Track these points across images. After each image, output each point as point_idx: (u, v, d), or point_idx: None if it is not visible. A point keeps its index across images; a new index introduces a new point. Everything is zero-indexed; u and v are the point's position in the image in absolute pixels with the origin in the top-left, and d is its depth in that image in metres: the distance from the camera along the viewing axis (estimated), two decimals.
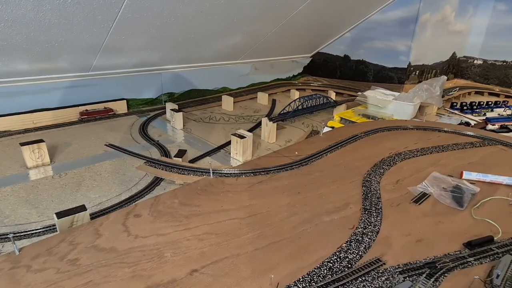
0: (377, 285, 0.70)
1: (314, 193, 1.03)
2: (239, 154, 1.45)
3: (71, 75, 1.76)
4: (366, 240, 0.83)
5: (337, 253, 0.78)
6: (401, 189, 1.08)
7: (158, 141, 1.56)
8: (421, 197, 1.03)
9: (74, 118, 1.79)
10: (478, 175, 1.14)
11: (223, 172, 1.13)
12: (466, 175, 1.15)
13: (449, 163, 1.27)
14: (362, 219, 0.92)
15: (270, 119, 1.65)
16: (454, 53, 2.84)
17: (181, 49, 1.98)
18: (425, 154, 1.33)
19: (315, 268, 0.74)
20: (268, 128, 1.66)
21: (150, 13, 1.53)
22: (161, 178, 1.20)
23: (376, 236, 0.85)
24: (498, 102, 2.38)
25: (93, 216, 0.94)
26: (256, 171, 1.14)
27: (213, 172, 1.11)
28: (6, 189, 1.14)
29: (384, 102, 1.96)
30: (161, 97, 2.12)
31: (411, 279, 0.72)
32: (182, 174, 1.15)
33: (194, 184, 1.06)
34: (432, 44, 2.51)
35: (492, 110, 2.29)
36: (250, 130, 1.71)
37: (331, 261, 0.76)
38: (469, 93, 2.74)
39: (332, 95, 2.45)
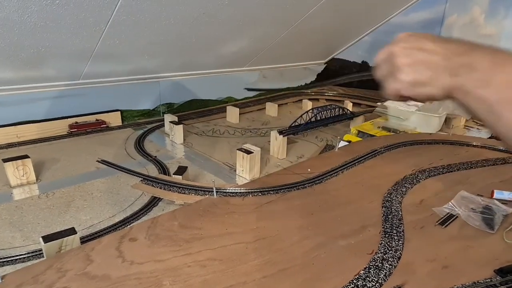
0: None
1: (329, 215, 1.04)
2: (246, 171, 1.46)
3: (59, 84, 1.78)
4: (387, 266, 0.84)
5: (354, 281, 0.79)
6: (425, 210, 1.09)
7: (155, 156, 1.58)
8: (448, 219, 1.04)
9: (63, 132, 1.82)
10: (510, 195, 1.15)
11: (228, 191, 1.14)
12: (497, 194, 1.15)
13: (479, 181, 1.27)
14: (382, 243, 0.92)
15: (280, 133, 1.65)
16: None
17: (181, 55, 2.01)
18: (451, 171, 1.34)
19: None
20: (278, 142, 1.67)
21: (147, 15, 1.55)
22: (159, 198, 1.21)
23: (397, 262, 0.85)
24: None
25: (84, 240, 0.95)
26: (264, 190, 1.15)
27: (216, 191, 1.12)
28: None
29: (407, 114, 1.97)
30: (159, 108, 2.14)
31: None
32: (182, 193, 1.17)
33: (196, 205, 1.07)
34: None
35: None
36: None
37: None
38: None
39: (349, 105, 2.45)
